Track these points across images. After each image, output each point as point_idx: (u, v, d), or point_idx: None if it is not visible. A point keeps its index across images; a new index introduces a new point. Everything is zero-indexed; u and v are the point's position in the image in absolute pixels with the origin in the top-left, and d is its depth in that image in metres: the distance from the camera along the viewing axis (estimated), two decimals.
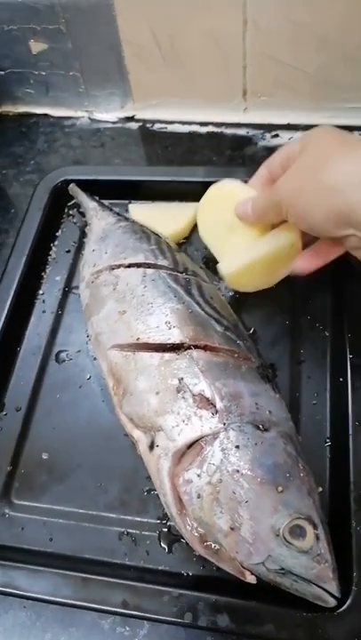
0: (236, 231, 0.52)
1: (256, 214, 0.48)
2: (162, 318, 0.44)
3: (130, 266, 0.49)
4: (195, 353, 0.42)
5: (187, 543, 0.40)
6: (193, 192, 0.61)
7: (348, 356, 0.47)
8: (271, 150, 0.66)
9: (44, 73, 0.72)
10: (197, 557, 0.42)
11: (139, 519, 0.45)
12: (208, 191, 0.56)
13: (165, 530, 0.44)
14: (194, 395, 0.40)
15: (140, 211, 0.61)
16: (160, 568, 0.43)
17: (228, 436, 0.38)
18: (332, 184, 0.39)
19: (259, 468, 0.37)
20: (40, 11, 0.64)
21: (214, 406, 0.40)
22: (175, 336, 0.43)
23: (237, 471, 0.37)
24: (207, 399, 0.40)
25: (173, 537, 0.44)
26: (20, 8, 0.64)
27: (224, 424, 0.39)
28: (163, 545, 0.44)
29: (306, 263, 0.47)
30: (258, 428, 0.39)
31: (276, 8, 0.57)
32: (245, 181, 0.55)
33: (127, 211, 0.62)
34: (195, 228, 0.59)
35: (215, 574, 0.41)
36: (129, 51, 0.66)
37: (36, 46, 0.68)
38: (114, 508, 0.45)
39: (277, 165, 0.48)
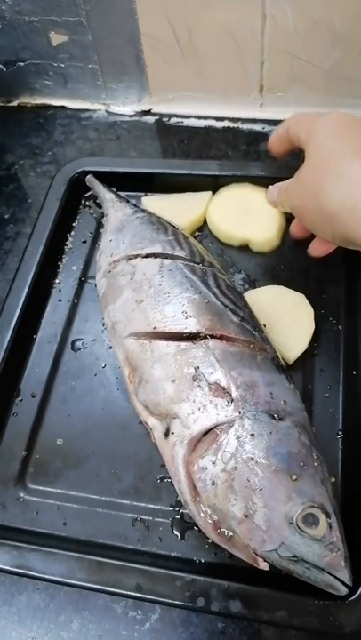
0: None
1: (280, 205, 0.51)
2: (179, 308, 0.45)
3: (147, 256, 0.50)
4: (211, 342, 0.43)
5: (199, 530, 0.40)
6: (207, 185, 0.62)
7: None
8: None
9: (62, 65, 0.72)
10: (210, 545, 0.42)
11: (152, 506, 0.45)
12: (219, 192, 0.61)
13: (178, 517, 0.45)
14: (210, 383, 0.41)
15: (154, 203, 0.62)
16: (173, 554, 0.43)
17: (243, 425, 0.39)
18: (330, 211, 0.40)
19: (273, 456, 0.38)
20: (61, 2, 0.64)
21: (230, 395, 0.40)
22: (192, 325, 0.44)
23: (252, 459, 0.38)
24: (223, 388, 0.41)
25: (186, 524, 0.44)
26: None
27: (239, 412, 0.39)
28: (175, 532, 0.44)
29: (321, 246, 0.49)
30: (273, 417, 0.39)
31: (294, 4, 0.58)
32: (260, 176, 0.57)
33: (140, 203, 0.62)
34: None
35: (227, 561, 0.42)
36: (147, 44, 0.67)
37: (57, 38, 0.69)
38: (127, 494, 0.46)
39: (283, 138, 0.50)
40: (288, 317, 0.51)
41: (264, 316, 0.48)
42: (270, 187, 0.52)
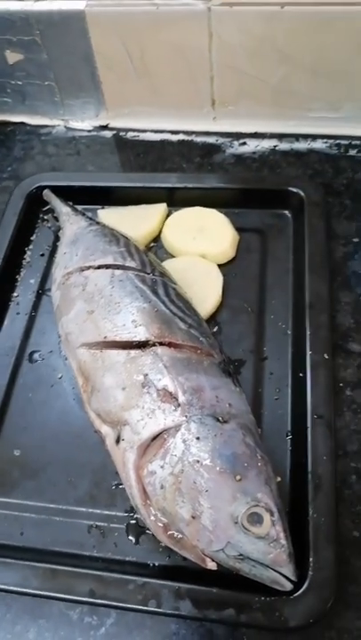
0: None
1: None
2: (128, 317, 0.46)
3: (99, 267, 0.51)
4: (159, 349, 0.44)
5: (153, 535, 0.41)
6: (162, 197, 0.63)
7: (308, 353, 0.49)
8: (239, 158, 0.69)
9: (20, 82, 0.74)
10: (164, 548, 0.43)
11: (107, 512, 0.46)
12: (171, 215, 0.63)
13: (133, 522, 0.45)
14: (158, 389, 0.42)
15: (110, 215, 0.63)
16: (128, 559, 0.44)
17: (189, 428, 0.40)
18: None
19: (218, 458, 0.39)
20: (15, 22, 0.66)
21: (177, 400, 0.41)
22: (141, 334, 0.45)
23: (198, 461, 0.39)
24: (170, 393, 0.42)
25: (141, 529, 0.45)
26: None
27: (186, 417, 0.40)
28: (130, 537, 0.45)
29: None
30: (218, 420, 0.40)
31: (238, 22, 0.60)
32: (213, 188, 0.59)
33: (97, 216, 0.64)
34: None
35: (180, 564, 0.43)
36: (101, 62, 0.68)
37: (13, 57, 0.70)
38: (83, 502, 0.47)
39: None
40: (199, 283, 0.56)
41: (181, 281, 0.53)
42: None
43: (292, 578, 0.37)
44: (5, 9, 0.65)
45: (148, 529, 0.44)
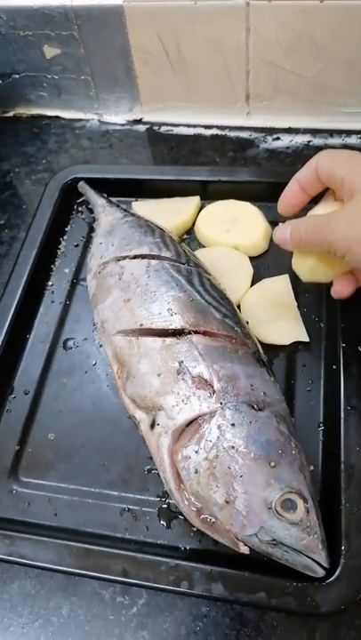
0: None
1: (296, 243, 0.46)
2: (164, 305, 0.47)
3: (135, 257, 0.52)
4: (194, 338, 0.45)
5: (185, 519, 0.42)
6: (195, 190, 0.64)
7: (341, 345, 0.49)
8: (272, 152, 0.69)
9: (56, 77, 0.75)
10: (195, 532, 0.44)
11: (139, 496, 0.47)
12: (205, 208, 0.63)
13: (165, 507, 0.46)
14: (193, 376, 0.43)
15: (144, 207, 0.64)
16: (159, 542, 0.45)
17: (224, 415, 0.41)
18: None
19: (253, 444, 0.39)
20: (54, 17, 0.67)
21: (212, 387, 0.42)
22: (176, 322, 0.46)
23: (233, 447, 0.39)
24: (205, 380, 0.42)
25: (172, 513, 0.46)
26: (35, 14, 0.68)
27: (221, 403, 0.41)
28: (162, 521, 0.46)
29: (343, 287, 0.47)
30: (252, 407, 0.41)
31: (276, 16, 0.60)
32: (247, 181, 0.59)
33: (131, 208, 0.65)
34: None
35: (212, 548, 0.43)
36: (138, 56, 0.69)
37: (50, 51, 0.71)
38: (116, 485, 0.48)
39: (309, 179, 0.47)
40: (230, 273, 0.57)
41: (212, 271, 0.53)
42: (280, 225, 0.48)
43: (325, 564, 0.37)
44: (45, 4, 0.67)
45: (179, 514, 0.44)
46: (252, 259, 0.59)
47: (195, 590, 0.40)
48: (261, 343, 0.51)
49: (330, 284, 0.54)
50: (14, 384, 0.55)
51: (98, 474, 0.48)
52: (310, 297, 0.56)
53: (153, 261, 0.51)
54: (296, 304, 0.55)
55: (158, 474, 0.43)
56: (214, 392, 0.42)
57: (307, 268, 0.48)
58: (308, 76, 0.66)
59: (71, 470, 0.49)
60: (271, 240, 0.60)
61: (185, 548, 0.44)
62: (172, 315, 0.46)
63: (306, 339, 0.53)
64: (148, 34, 0.66)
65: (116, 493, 0.47)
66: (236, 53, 0.65)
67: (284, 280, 0.56)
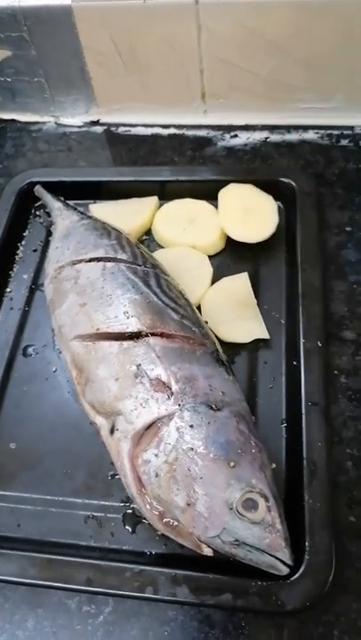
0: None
1: None
2: (120, 309, 0.46)
3: (90, 260, 0.51)
4: (152, 340, 0.44)
5: (149, 523, 0.41)
6: (154, 190, 0.63)
7: (302, 341, 0.49)
8: (231, 150, 0.69)
9: (9, 79, 0.74)
10: (160, 537, 0.43)
11: (104, 502, 0.46)
12: (162, 206, 0.63)
13: (129, 512, 0.46)
14: (151, 379, 0.42)
15: (102, 209, 0.63)
16: (124, 548, 0.44)
17: (182, 417, 0.40)
18: None
19: (212, 445, 0.39)
20: (2, 18, 0.66)
21: (170, 389, 0.42)
22: (133, 325, 0.45)
23: (192, 449, 0.39)
24: (163, 383, 0.42)
25: (137, 518, 0.45)
26: None
27: (179, 405, 0.41)
28: (127, 526, 0.45)
29: None
30: (211, 407, 0.41)
31: (227, 14, 0.60)
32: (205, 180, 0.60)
33: (89, 211, 0.64)
34: None
35: (177, 552, 0.43)
36: (90, 57, 0.69)
37: (1, 53, 0.70)
38: (80, 492, 0.47)
39: None
40: (189, 273, 0.56)
41: (171, 271, 0.53)
42: None
43: (289, 562, 0.37)
44: None
45: (144, 518, 0.44)
46: (210, 257, 0.59)
47: (160, 595, 0.40)
48: (223, 342, 0.51)
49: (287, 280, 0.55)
50: None
51: (62, 482, 0.48)
52: (270, 294, 0.56)
53: (109, 264, 0.50)
54: (256, 302, 0.55)
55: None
56: (172, 394, 0.41)
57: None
58: (263, 73, 0.65)
59: (35, 479, 0.48)
60: (228, 239, 0.60)
61: (150, 553, 0.44)
62: (128, 318, 0.46)
63: (266, 336, 0.53)
64: (100, 34, 0.65)
65: (80, 501, 0.47)
66: (190, 52, 0.65)
67: (242, 278, 0.56)
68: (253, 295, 0.55)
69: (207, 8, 0.60)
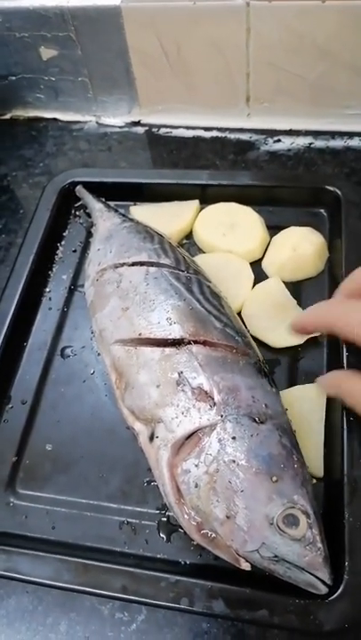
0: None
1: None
2: (163, 314, 0.46)
3: (133, 264, 0.51)
4: (194, 348, 0.44)
5: (185, 533, 0.41)
6: (195, 194, 0.63)
7: (344, 354, 0.48)
8: (273, 155, 0.68)
9: (53, 79, 0.74)
10: (195, 546, 0.43)
11: (139, 509, 0.46)
12: (205, 208, 0.62)
13: (165, 520, 0.45)
14: (193, 388, 0.42)
15: (142, 212, 0.63)
16: (158, 556, 0.44)
17: (224, 428, 0.40)
18: None
19: (254, 458, 0.39)
20: (50, 18, 0.66)
21: (212, 399, 0.41)
22: (176, 332, 0.45)
23: (233, 461, 0.39)
24: (205, 392, 0.42)
25: (172, 527, 0.45)
26: (31, 16, 0.66)
27: (221, 416, 0.40)
28: (162, 534, 0.45)
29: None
30: (254, 420, 0.40)
31: (278, 18, 0.59)
32: (247, 185, 0.60)
33: (129, 212, 0.64)
34: None
35: (212, 563, 0.42)
36: (136, 58, 0.68)
37: (47, 53, 0.70)
38: (115, 498, 0.47)
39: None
40: (231, 279, 0.56)
41: (212, 277, 0.53)
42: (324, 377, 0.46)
43: (328, 581, 0.37)
44: (41, 5, 0.66)
45: (179, 527, 0.43)
46: (253, 264, 0.58)
47: (195, 607, 0.39)
48: (272, 348, 0.50)
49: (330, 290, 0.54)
50: (11, 393, 0.54)
51: (96, 486, 0.48)
52: (312, 303, 0.55)
53: (152, 269, 0.50)
54: (296, 302, 0.54)
55: (158, 486, 0.42)
56: (215, 404, 0.41)
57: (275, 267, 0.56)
58: (310, 78, 0.64)
59: (69, 482, 0.48)
60: (266, 247, 0.59)
61: (185, 563, 0.43)
62: (171, 324, 0.45)
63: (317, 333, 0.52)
64: (147, 35, 0.65)
65: (114, 506, 0.46)
66: (237, 55, 0.64)
67: (275, 281, 0.56)
68: (291, 295, 0.54)
69: (258, 11, 0.59)
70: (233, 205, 0.61)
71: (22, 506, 0.48)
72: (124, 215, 0.60)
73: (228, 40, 0.63)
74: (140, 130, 0.76)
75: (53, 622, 0.43)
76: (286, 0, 0.58)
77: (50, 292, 0.60)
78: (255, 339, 0.50)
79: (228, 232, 0.60)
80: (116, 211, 0.61)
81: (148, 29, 0.64)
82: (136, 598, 0.40)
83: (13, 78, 0.75)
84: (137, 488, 0.47)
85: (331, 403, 0.48)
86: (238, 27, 0.61)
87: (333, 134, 0.69)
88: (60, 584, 0.41)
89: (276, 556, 0.37)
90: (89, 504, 0.47)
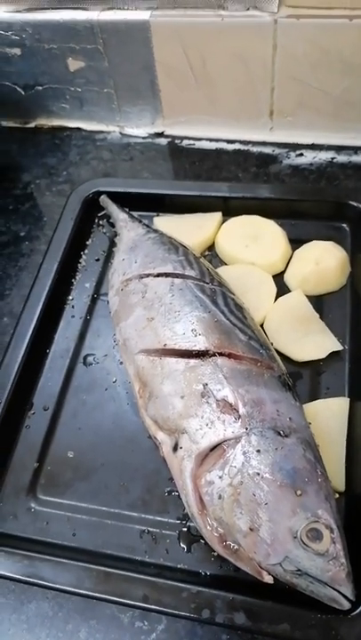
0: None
1: None
2: (188, 326, 0.46)
3: (158, 275, 0.51)
4: (219, 360, 0.44)
5: (205, 543, 0.41)
6: (217, 206, 0.63)
7: None
8: (296, 169, 0.69)
9: (79, 89, 0.75)
10: (216, 557, 0.43)
11: (159, 519, 0.46)
12: (228, 220, 0.63)
13: (185, 530, 0.46)
14: (217, 400, 0.42)
15: (166, 223, 0.64)
16: (179, 566, 0.44)
17: (249, 441, 0.40)
18: None
19: (279, 471, 0.39)
20: (79, 31, 0.67)
21: (237, 411, 0.41)
22: (201, 343, 0.45)
23: (258, 474, 0.39)
24: (230, 404, 0.42)
25: (193, 537, 0.45)
26: (60, 28, 0.68)
27: (246, 429, 0.40)
28: (182, 544, 0.45)
29: None
30: (279, 433, 0.40)
31: (304, 34, 0.60)
32: (269, 198, 0.59)
33: (152, 223, 0.64)
34: None
35: (232, 574, 0.43)
36: (162, 70, 0.69)
37: (74, 64, 0.72)
38: (135, 506, 0.47)
39: None
40: (253, 291, 0.56)
41: (234, 288, 0.53)
42: None
43: (351, 597, 0.37)
44: (71, 18, 0.67)
45: (200, 537, 0.44)
46: (275, 276, 0.58)
47: (217, 619, 0.39)
48: (294, 361, 0.51)
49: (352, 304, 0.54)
50: (34, 400, 0.54)
51: (117, 494, 0.48)
52: (334, 319, 0.55)
53: (177, 280, 0.50)
54: (318, 315, 0.54)
55: (179, 496, 0.43)
56: (239, 417, 0.41)
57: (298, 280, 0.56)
58: (334, 93, 0.65)
59: (90, 490, 0.49)
60: (288, 260, 0.59)
61: (205, 574, 0.44)
62: (196, 335, 0.46)
63: (340, 347, 0.52)
64: (174, 48, 0.66)
65: (135, 515, 0.47)
66: (262, 69, 0.65)
67: (298, 294, 0.56)
68: (313, 308, 0.55)
69: (285, 27, 0.60)
70: (255, 218, 0.62)
71: (43, 512, 0.48)
72: (148, 226, 0.61)
73: (253, 54, 0.64)
74: (163, 141, 0.77)
75: (73, 629, 0.43)
76: (314, 18, 0.58)
77: (73, 300, 0.61)
78: (277, 351, 0.50)
79: (251, 244, 0.60)
80: (140, 221, 0.62)
81: (175, 43, 0.65)
82: (157, 608, 0.40)
83: (40, 88, 0.76)
84: (158, 497, 0.47)
85: (353, 417, 0.48)
86: (265, 42, 0.62)
87: (356, 149, 0.69)
88: (81, 591, 0.42)
89: (298, 570, 0.37)
90: (110, 512, 0.47)
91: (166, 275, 0.51)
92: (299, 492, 0.38)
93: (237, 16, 0.61)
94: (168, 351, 0.46)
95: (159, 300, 0.49)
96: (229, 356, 0.45)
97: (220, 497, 0.39)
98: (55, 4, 0.66)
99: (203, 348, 0.45)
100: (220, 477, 0.40)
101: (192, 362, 0.45)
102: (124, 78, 0.72)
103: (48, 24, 0.68)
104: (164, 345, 0.46)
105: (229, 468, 0.40)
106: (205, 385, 0.43)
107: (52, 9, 0.67)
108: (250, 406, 0.41)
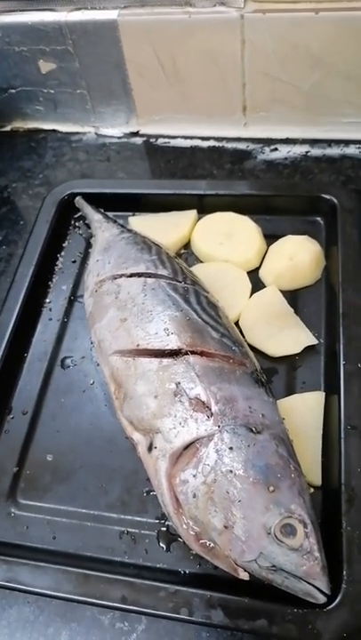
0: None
1: None
2: (160, 325, 0.46)
3: (131, 275, 0.51)
4: (191, 358, 0.44)
5: (184, 542, 0.41)
6: (193, 204, 0.63)
7: (341, 363, 0.48)
8: (270, 164, 0.69)
9: (52, 91, 0.75)
10: (194, 556, 0.43)
11: (138, 519, 0.46)
12: (203, 218, 0.62)
13: (164, 529, 0.46)
14: (190, 398, 0.42)
15: (141, 222, 0.64)
16: (158, 566, 0.44)
17: (222, 438, 0.40)
18: None
19: (251, 468, 0.39)
20: (48, 33, 0.67)
21: (210, 409, 0.41)
22: (173, 342, 0.45)
23: (231, 472, 0.39)
24: (203, 402, 0.42)
25: (172, 536, 0.45)
26: (29, 30, 0.67)
27: (219, 426, 0.40)
28: (161, 544, 0.45)
29: None
30: (251, 430, 0.40)
31: (272, 28, 0.60)
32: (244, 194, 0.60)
33: (128, 223, 0.64)
34: None
35: (211, 572, 0.43)
36: (133, 69, 0.69)
37: (45, 66, 0.71)
38: (114, 507, 0.47)
39: None
40: (228, 289, 0.56)
41: (209, 286, 0.53)
42: None
43: (326, 591, 0.37)
44: (40, 20, 0.67)
45: (179, 537, 0.44)
46: (250, 273, 0.59)
47: (194, 617, 0.39)
48: (269, 357, 0.51)
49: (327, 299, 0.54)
50: (12, 404, 0.54)
51: (96, 496, 0.48)
52: (309, 313, 0.55)
53: (150, 280, 0.50)
54: (293, 310, 0.54)
55: (157, 496, 0.43)
56: (212, 414, 0.41)
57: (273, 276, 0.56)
58: (305, 87, 0.65)
59: (70, 492, 0.49)
60: (263, 256, 0.59)
61: (184, 572, 0.44)
62: (168, 335, 0.46)
63: (314, 341, 0.52)
64: (143, 47, 0.66)
65: (114, 516, 0.47)
66: (232, 65, 0.65)
67: (272, 290, 0.56)
68: (288, 303, 0.55)
69: (252, 22, 0.60)
70: (230, 215, 0.62)
71: (23, 516, 0.48)
72: (122, 226, 0.61)
73: (223, 51, 0.64)
74: (139, 140, 0.76)
75: (54, 632, 0.43)
76: (280, 12, 0.58)
77: (50, 302, 0.61)
78: (253, 348, 0.51)
79: (226, 241, 0.60)
80: (115, 221, 0.61)
81: (144, 42, 0.65)
82: (136, 608, 0.40)
83: (13, 91, 0.76)
84: (136, 498, 0.47)
85: (328, 411, 0.48)
86: (233, 38, 0.62)
87: (330, 142, 0.69)
88: (61, 594, 0.42)
89: (273, 566, 0.37)
90: (89, 514, 0.47)
91: (139, 275, 0.51)
92: (272, 488, 0.38)
93: (205, 12, 0.61)
94: (141, 351, 0.46)
95: (132, 301, 0.49)
96: (202, 354, 0.45)
97: (194, 495, 0.39)
98: (23, 5, 0.66)
99: (175, 347, 0.45)
100: (194, 476, 0.40)
101: (165, 361, 0.45)
102: (96, 78, 0.72)
103: (17, 27, 0.67)
104: (137, 345, 0.46)
105: (203, 467, 0.40)
106: (178, 384, 0.43)
107: (20, 11, 0.66)
108: (222, 404, 0.41)
